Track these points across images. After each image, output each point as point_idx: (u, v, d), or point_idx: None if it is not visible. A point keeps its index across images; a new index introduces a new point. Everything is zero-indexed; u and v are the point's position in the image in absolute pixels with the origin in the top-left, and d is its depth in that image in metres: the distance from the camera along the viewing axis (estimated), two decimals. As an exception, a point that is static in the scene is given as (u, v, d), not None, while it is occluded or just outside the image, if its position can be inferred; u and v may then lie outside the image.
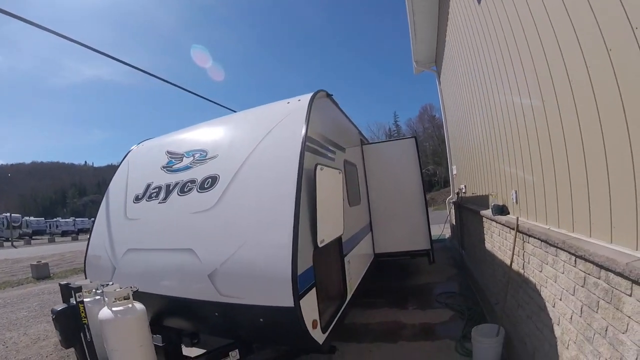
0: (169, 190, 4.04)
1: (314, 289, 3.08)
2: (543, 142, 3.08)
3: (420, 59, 11.25)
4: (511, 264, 3.69)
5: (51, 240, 37.77)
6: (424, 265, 7.89)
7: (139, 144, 5.48)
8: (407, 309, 5.82)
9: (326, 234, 3.48)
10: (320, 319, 3.12)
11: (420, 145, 7.26)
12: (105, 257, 4.26)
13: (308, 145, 3.41)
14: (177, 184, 3.99)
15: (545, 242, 2.84)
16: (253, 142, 3.68)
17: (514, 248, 3.60)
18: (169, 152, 4.57)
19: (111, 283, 3.80)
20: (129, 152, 5.40)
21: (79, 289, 3.39)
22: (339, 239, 4.20)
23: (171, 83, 7.84)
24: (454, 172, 10.17)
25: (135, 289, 3.51)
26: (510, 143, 4.02)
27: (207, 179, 3.71)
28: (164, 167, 4.42)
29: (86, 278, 4.51)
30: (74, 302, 3.31)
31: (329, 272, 4.38)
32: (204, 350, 4.47)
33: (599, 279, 2.12)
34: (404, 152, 7.13)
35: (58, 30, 5.24)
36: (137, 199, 4.40)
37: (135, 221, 4.26)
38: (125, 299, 3.28)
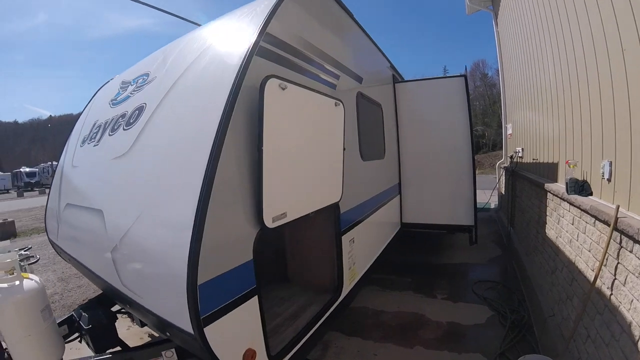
0: (104, 128, 2.99)
1: (255, 298, 1.85)
2: None
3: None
4: (595, 278, 2.27)
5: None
6: (461, 240, 6.57)
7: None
8: (434, 297, 4.63)
9: (289, 206, 2.13)
10: (267, 344, 1.95)
11: (470, 101, 5.58)
12: (55, 210, 3.48)
13: (264, 47, 2.02)
14: (112, 120, 2.92)
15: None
16: (194, 54, 2.40)
17: (604, 254, 2.17)
18: (122, 82, 3.49)
19: (29, 247, 2.97)
20: (99, 88, 4.40)
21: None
22: (334, 207, 2.86)
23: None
24: (509, 131, 8.36)
25: (35, 260, 2.61)
26: (607, 86, 2.48)
27: (135, 110, 2.56)
28: (111, 100, 3.37)
29: (47, 234, 3.82)
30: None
31: (307, 259, 3.23)
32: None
33: None
34: (449, 94, 5.42)
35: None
36: (83, 142, 3.47)
37: (76, 169, 3.36)
38: (11, 273, 2.38)
